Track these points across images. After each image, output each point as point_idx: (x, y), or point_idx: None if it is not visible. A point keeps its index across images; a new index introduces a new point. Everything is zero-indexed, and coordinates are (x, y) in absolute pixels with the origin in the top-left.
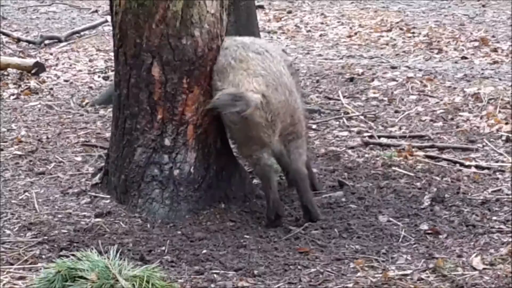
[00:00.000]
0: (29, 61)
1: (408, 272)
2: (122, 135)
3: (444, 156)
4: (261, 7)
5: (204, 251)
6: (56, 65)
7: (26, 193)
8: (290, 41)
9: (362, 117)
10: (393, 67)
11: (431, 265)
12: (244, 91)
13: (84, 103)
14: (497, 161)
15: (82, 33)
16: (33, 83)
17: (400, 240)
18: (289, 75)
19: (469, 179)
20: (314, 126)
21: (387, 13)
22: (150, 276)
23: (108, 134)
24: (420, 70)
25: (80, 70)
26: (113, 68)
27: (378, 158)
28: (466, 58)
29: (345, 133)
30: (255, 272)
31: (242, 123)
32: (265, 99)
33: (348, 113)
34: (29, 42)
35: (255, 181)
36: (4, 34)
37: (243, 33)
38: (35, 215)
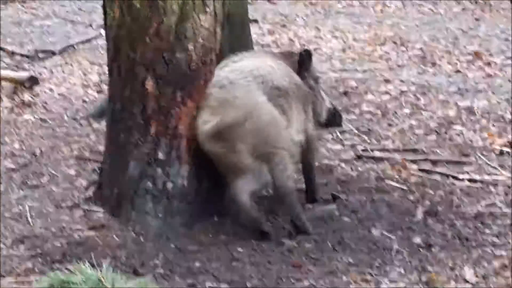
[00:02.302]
0: (23, 75)
1: (401, 285)
2: (115, 149)
3: (437, 169)
4: (255, 21)
5: (197, 264)
6: (50, 78)
7: (20, 207)
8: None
9: (355, 131)
10: (387, 81)
11: (424, 278)
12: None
13: (78, 117)
14: (490, 175)
15: (76, 46)
16: (27, 96)
17: (393, 253)
18: (250, 98)
19: (462, 193)
20: None
21: (381, 27)
22: None
23: (101, 148)
24: (413, 83)
25: (74, 84)
26: (107, 82)
27: (371, 172)
28: (459, 71)
29: (339, 147)
30: (248, 285)
31: (211, 156)
32: (216, 129)
33: (341, 126)
34: (23, 55)
35: None
36: None
37: (237, 47)
38: (28, 228)
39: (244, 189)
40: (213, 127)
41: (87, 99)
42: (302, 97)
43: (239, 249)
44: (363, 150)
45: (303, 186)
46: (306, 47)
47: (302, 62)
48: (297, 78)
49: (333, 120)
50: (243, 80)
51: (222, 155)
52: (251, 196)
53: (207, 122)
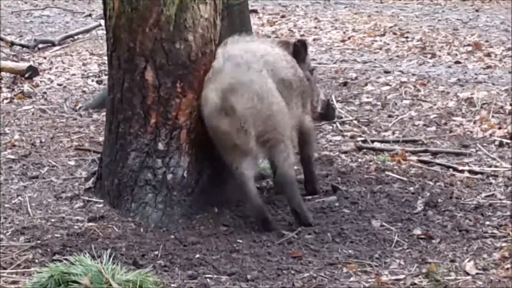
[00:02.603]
0: (23, 65)
1: (401, 276)
2: (115, 139)
3: (437, 160)
4: (255, 11)
5: (197, 255)
6: (50, 69)
7: (19, 197)
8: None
9: (355, 122)
10: (387, 72)
11: (424, 270)
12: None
13: (77, 107)
14: (490, 166)
15: (75, 37)
16: (26, 87)
17: (393, 245)
18: (265, 84)
19: (462, 184)
20: None
21: (381, 17)
22: (143, 280)
23: (101, 138)
24: (413, 74)
25: (73, 74)
26: (106, 72)
27: (371, 163)
28: (459, 62)
29: (339, 138)
30: (248, 276)
31: (215, 133)
32: (231, 106)
33: (341, 117)
34: (22, 46)
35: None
36: None
37: None
38: (28, 219)
39: (249, 174)
40: (228, 103)
41: (86, 90)
42: (303, 91)
43: (239, 241)
44: (363, 141)
45: (303, 177)
46: (301, 37)
47: (297, 52)
48: (300, 71)
49: (326, 113)
50: (257, 64)
51: (228, 133)
52: (255, 182)
53: (220, 96)
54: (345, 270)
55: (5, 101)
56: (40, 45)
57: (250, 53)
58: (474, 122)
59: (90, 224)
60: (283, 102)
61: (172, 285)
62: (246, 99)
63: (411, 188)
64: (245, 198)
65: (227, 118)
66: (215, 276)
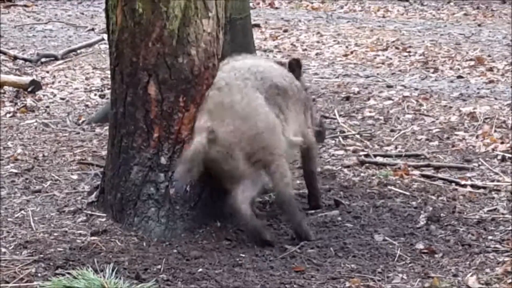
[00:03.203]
0: (26, 79)
1: None
2: (118, 154)
3: (439, 175)
4: (257, 25)
5: (200, 269)
6: (53, 83)
7: (22, 211)
8: (286, 60)
9: (358, 136)
10: (389, 86)
11: (426, 284)
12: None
13: (80, 121)
14: (492, 181)
15: (78, 51)
16: (29, 101)
17: (395, 259)
18: (248, 102)
19: (464, 198)
20: None
21: (383, 32)
22: None
23: (104, 152)
24: (416, 89)
25: (76, 88)
26: (109, 86)
27: (374, 177)
28: (462, 77)
29: (341, 152)
30: None
31: (206, 163)
32: (213, 134)
33: (344, 132)
34: (25, 60)
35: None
36: (0, 52)
37: (239, 52)
38: (31, 233)
39: (243, 197)
40: (210, 131)
41: (89, 104)
42: (302, 100)
43: (242, 255)
44: (365, 156)
45: (305, 191)
46: (295, 57)
47: (291, 71)
48: (297, 82)
49: (319, 134)
50: (240, 81)
51: (218, 161)
52: (251, 204)
53: (204, 127)
54: (347, 284)
55: (8, 115)
56: (43, 59)
57: (234, 71)
58: (477, 137)
59: (92, 238)
60: (273, 116)
61: None
62: (227, 123)
63: (414, 203)
64: (240, 222)
65: (213, 145)
66: None
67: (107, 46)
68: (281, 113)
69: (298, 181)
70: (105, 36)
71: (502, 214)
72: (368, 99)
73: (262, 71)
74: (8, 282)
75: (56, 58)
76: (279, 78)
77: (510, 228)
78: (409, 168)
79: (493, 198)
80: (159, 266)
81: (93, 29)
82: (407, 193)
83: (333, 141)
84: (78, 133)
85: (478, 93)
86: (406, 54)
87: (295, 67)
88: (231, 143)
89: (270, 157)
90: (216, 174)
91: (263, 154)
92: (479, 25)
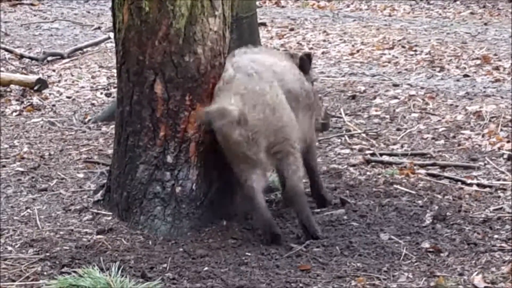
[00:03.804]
0: (32, 78)
1: None
2: (124, 152)
3: (445, 174)
4: (264, 24)
5: (206, 268)
6: (59, 81)
7: (28, 210)
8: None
9: (364, 135)
10: (395, 85)
11: (432, 283)
12: (223, 105)
13: (86, 120)
14: (498, 179)
15: (84, 49)
16: (35, 99)
17: (401, 258)
18: (276, 95)
19: (470, 197)
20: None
21: (389, 31)
22: None
23: (110, 151)
24: (422, 88)
25: (82, 87)
26: (115, 85)
27: (379, 176)
28: (468, 76)
29: (347, 151)
30: None
31: (226, 142)
32: (243, 116)
33: (350, 130)
34: (31, 58)
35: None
36: (6, 50)
37: None
38: (37, 231)
39: (258, 187)
40: (240, 113)
41: (95, 102)
42: (309, 104)
43: (248, 253)
44: (371, 155)
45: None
46: (307, 51)
47: (302, 65)
48: (307, 84)
49: (326, 124)
50: (268, 74)
51: (238, 143)
52: (264, 195)
53: (233, 106)
54: (353, 283)
55: (14, 114)
56: (49, 58)
57: (260, 64)
58: (483, 136)
59: (98, 236)
60: (293, 114)
61: None
62: (258, 109)
63: (420, 202)
64: (254, 211)
65: (239, 127)
66: None
67: (114, 45)
68: (295, 117)
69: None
70: (112, 34)
71: (508, 213)
72: (374, 97)
73: (280, 73)
74: (14, 281)
75: (62, 57)
76: (292, 84)
77: None
78: (415, 167)
79: (499, 197)
80: (165, 265)
81: (99, 28)
82: (413, 192)
83: (339, 140)
84: (84, 131)
85: (484, 92)
86: (412, 52)
87: (306, 61)
88: (258, 130)
89: (291, 149)
90: (232, 158)
91: (285, 146)
92: (485, 24)
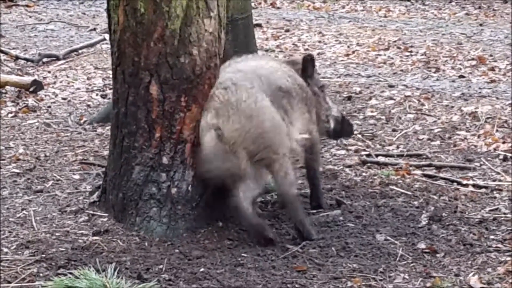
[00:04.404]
0: (27, 79)
1: None
2: (120, 153)
3: (441, 175)
4: (259, 25)
5: (202, 269)
6: (54, 83)
7: (24, 211)
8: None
9: (359, 136)
10: (391, 86)
11: (428, 284)
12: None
13: (82, 121)
14: (494, 180)
15: (80, 51)
16: (31, 101)
17: (397, 259)
18: (255, 101)
19: (466, 198)
20: None
21: (385, 31)
22: None
23: (106, 152)
24: (417, 88)
25: (78, 88)
26: (111, 86)
27: (375, 177)
28: (463, 76)
29: (343, 152)
30: None
31: (210, 159)
32: (219, 131)
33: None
34: (27, 60)
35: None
36: (2, 52)
37: (241, 52)
38: (32, 233)
39: (245, 196)
40: (216, 127)
41: (91, 104)
42: (305, 98)
43: (244, 254)
44: (367, 156)
45: (308, 191)
46: (308, 52)
47: (305, 68)
48: (300, 80)
49: (342, 129)
50: (247, 82)
51: (219, 158)
52: (252, 202)
53: (209, 124)
54: (349, 284)
55: (10, 115)
56: (45, 59)
57: (241, 73)
58: (478, 136)
59: (94, 238)
60: (278, 117)
61: None
62: (232, 121)
63: (415, 202)
64: (242, 220)
65: (217, 141)
66: None
67: (109, 46)
68: (286, 115)
69: (300, 181)
70: (107, 36)
71: (504, 213)
72: (370, 98)
73: (266, 74)
74: (10, 282)
75: (57, 58)
76: (282, 80)
77: (511, 228)
78: (410, 168)
79: (495, 197)
80: (161, 266)
81: (94, 29)
82: (409, 193)
83: (335, 141)
84: (80, 133)
85: (480, 92)
86: (407, 53)
87: (308, 64)
88: (235, 141)
89: (274, 156)
90: (219, 172)
91: (267, 153)
92: (480, 24)
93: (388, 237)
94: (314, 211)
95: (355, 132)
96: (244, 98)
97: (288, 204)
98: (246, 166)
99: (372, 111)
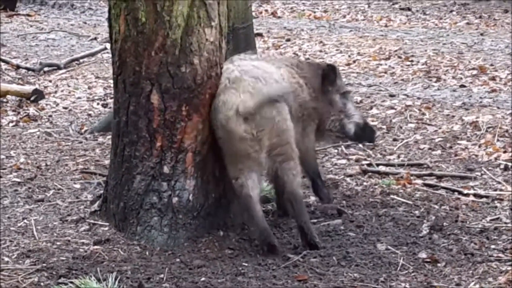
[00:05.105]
0: (28, 88)
1: None
2: (121, 163)
3: (442, 184)
4: (260, 34)
5: (203, 278)
6: (55, 92)
7: (25, 220)
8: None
9: (360, 145)
10: (392, 95)
11: None
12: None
13: (83, 130)
14: (495, 190)
15: (81, 60)
16: (32, 110)
17: (398, 268)
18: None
19: (467, 208)
20: None
21: (386, 41)
22: None
23: (107, 162)
24: (418, 98)
25: (79, 97)
26: (112, 96)
27: (376, 186)
28: (464, 86)
29: (344, 161)
30: None
31: (229, 139)
32: (251, 113)
33: (346, 140)
34: (28, 69)
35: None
36: (3, 61)
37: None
38: (33, 242)
39: (255, 195)
40: (249, 109)
41: (92, 113)
42: (305, 115)
43: (245, 264)
44: (368, 165)
45: (309, 201)
46: (331, 63)
47: (325, 76)
48: (303, 95)
49: (363, 135)
50: (272, 80)
51: (242, 140)
52: (261, 205)
53: (242, 101)
54: None
55: (11, 124)
56: (46, 69)
57: (262, 70)
58: (479, 146)
59: (95, 247)
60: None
61: None
62: (266, 109)
63: (416, 212)
64: (251, 221)
65: (245, 124)
66: None
67: (110, 55)
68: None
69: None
70: (108, 45)
71: (505, 223)
72: (371, 108)
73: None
74: None
75: (58, 67)
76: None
77: None
78: (411, 177)
79: (496, 207)
80: (162, 275)
81: (95, 38)
82: (410, 202)
83: (336, 150)
84: (81, 142)
85: (481, 102)
86: (408, 63)
87: (329, 73)
88: (264, 129)
89: (293, 154)
90: (231, 156)
91: (286, 149)
92: (481, 34)
93: (389, 247)
94: (315, 220)
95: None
96: (274, 94)
97: (294, 203)
98: (264, 156)
99: (373, 121)
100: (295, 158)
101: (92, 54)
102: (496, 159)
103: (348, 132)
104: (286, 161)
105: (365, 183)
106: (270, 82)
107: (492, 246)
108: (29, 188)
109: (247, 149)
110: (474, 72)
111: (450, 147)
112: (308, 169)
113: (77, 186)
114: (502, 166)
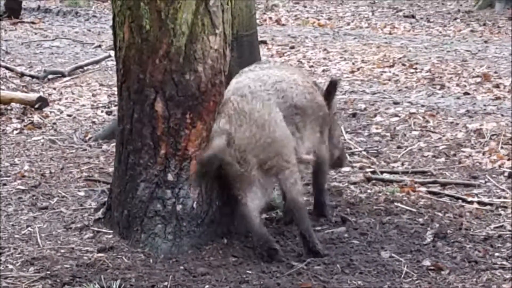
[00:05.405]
0: (33, 96)
1: None
2: (125, 170)
3: (446, 192)
4: (264, 42)
5: (207, 286)
6: (60, 99)
7: (29, 228)
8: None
9: (364, 153)
10: (396, 103)
11: None
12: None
13: (87, 138)
14: (499, 197)
15: (85, 68)
16: (36, 117)
17: (402, 276)
18: (269, 112)
19: (471, 215)
20: None
21: (390, 48)
22: None
23: (111, 169)
24: (422, 105)
25: (83, 105)
26: (116, 103)
27: (380, 194)
28: (468, 94)
29: (348, 169)
30: None
31: (223, 166)
32: (230, 137)
33: (350, 148)
34: (32, 76)
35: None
36: (7, 68)
37: None
38: (37, 250)
39: (253, 204)
40: (228, 134)
41: (96, 121)
42: (321, 117)
43: (249, 271)
44: (372, 173)
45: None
46: (336, 77)
47: (329, 90)
48: (320, 98)
49: (337, 162)
50: (265, 93)
51: (230, 164)
52: (260, 211)
53: (221, 130)
54: None
55: (15, 132)
56: (50, 76)
57: (259, 81)
58: (483, 153)
59: (99, 254)
60: (288, 131)
61: None
62: (244, 129)
63: (420, 219)
64: (249, 228)
65: (228, 148)
66: None
67: (114, 63)
68: (298, 132)
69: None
70: (112, 52)
71: (509, 231)
72: (375, 115)
73: (285, 90)
74: None
75: (63, 75)
76: (300, 97)
77: None
78: (415, 185)
79: (500, 214)
80: (166, 283)
81: (100, 46)
82: (414, 210)
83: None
84: (85, 149)
85: (485, 109)
86: (412, 70)
87: (332, 88)
88: (245, 149)
89: (284, 163)
90: (228, 179)
91: (277, 161)
92: (485, 41)
93: (393, 254)
94: (319, 228)
95: (361, 149)
96: (258, 108)
97: (296, 211)
98: (256, 173)
99: (377, 128)
100: (289, 167)
101: (96, 62)
102: (500, 166)
103: (338, 152)
104: (280, 172)
105: (369, 191)
106: (259, 96)
107: (496, 254)
108: (33, 195)
109: (237, 170)
110: (478, 79)
111: (454, 155)
112: (320, 181)
113: (81, 193)
114: (506, 174)
